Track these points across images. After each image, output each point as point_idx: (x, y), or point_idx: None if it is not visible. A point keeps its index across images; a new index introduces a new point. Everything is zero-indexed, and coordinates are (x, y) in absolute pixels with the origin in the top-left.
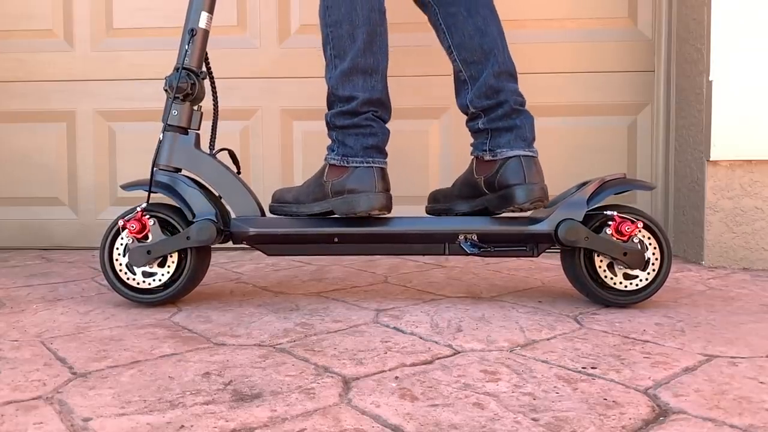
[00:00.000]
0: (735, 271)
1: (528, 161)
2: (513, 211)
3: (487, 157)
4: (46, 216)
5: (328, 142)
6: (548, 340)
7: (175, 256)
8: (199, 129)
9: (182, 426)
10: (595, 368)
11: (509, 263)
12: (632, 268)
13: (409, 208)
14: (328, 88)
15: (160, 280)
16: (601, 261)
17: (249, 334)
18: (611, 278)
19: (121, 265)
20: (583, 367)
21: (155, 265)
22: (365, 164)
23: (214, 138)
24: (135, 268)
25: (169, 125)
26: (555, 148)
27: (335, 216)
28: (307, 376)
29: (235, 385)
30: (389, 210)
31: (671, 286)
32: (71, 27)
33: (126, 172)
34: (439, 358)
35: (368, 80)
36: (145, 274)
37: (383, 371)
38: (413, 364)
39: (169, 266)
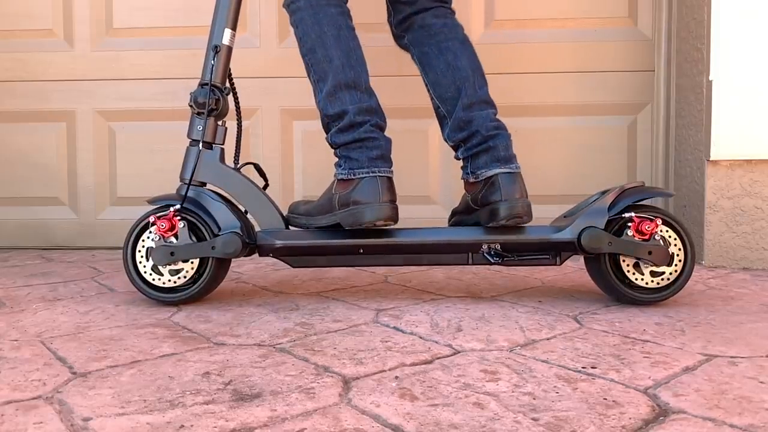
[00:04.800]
0: (735, 270)
1: (507, 178)
2: (499, 225)
3: (471, 179)
4: (46, 216)
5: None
6: (548, 339)
7: (197, 261)
8: (223, 144)
9: (182, 426)
10: (595, 368)
11: None
12: (658, 265)
13: (409, 208)
14: (320, 113)
15: (186, 276)
16: (628, 264)
17: (249, 334)
18: (640, 278)
19: (142, 256)
20: (583, 367)
21: (179, 262)
22: (371, 174)
23: (239, 152)
24: (160, 268)
25: (194, 140)
26: (555, 148)
27: (362, 230)
28: (307, 375)
29: (235, 385)
30: (395, 221)
31: None
32: (71, 27)
33: (126, 172)
34: (439, 358)
35: (354, 93)
36: (172, 272)
37: (383, 371)
38: (413, 364)
39: (193, 262)
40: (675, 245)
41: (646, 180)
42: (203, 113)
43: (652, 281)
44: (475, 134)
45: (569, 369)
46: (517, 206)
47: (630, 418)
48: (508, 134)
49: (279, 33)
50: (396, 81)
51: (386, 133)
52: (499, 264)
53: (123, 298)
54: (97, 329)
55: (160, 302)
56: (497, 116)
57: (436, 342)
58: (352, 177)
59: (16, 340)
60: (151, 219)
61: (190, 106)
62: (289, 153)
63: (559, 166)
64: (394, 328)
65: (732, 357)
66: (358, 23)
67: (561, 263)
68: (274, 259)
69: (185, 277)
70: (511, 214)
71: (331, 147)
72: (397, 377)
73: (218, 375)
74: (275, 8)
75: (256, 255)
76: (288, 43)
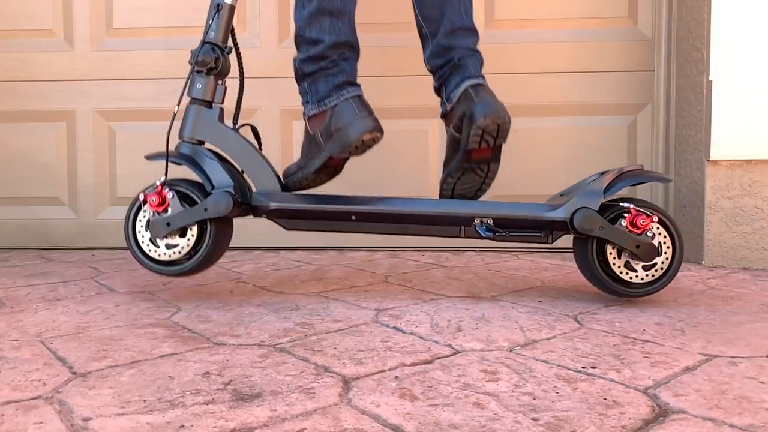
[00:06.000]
0: (735, 270)
1: (476, 89)
2: (482, 138)
3: (448, 107)
4: (46, 216)
5: None
6: (548, 339)
7: (195, 229)
8: (222, 103)
9: (182, 426)
10: (595, 368)
11: (509, 263)
12: (643, 261)
13: None
14: (296, 29)
15: (180, 252)
16: (614, 257)
17: (249, 334)
18: (624, 271)
19: (143, 237)
20: (583, 367)
21: (176, 237)
22: (341, 98)
23: (238, 113)
24: (158, 241)
25: (194, 98)
26: (555, 148)
27: (356, 196)
28: (307, 375)
29: (235, 385)
30: (381, 132)
31: (671, 285)
32: (71, 27)
33: (126, 172)
34: (439, 358)
35: (335, 22)
36: (168, 246)
37: (383, 371)
38: (413, 364)
39: (189, 238)
40: (665, 246)
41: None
42: (203, 71)
43: (630, 276)
44: (449, 62)
45: (569, 369)
46: (492, 106)
47: (630, 418)
48: (480, 58)
49: (279, 33)
50: (396, 81)
51: (386, 133)
52: (490, 239)
53: (123, 298)
54: (97, 329)
55: (165, 275)
56: (477, 44)
57: (436, 342)
58: (324, 108)
59: (16, 340)
60: (141, 197)
61: (190, 63)
62: (289, 153)
63: (559, 166)
64: (394, 328)
65: (732, 357)
66: (359, 23)
67: (552, 242)
68: (274, 259)
69: (188, 245)
70: (489, 111)
71: (296, 74)
72: (397, 377)
73: (218, 375)
74: (275, 8)
75: (256, 254)
76: (288, 43)
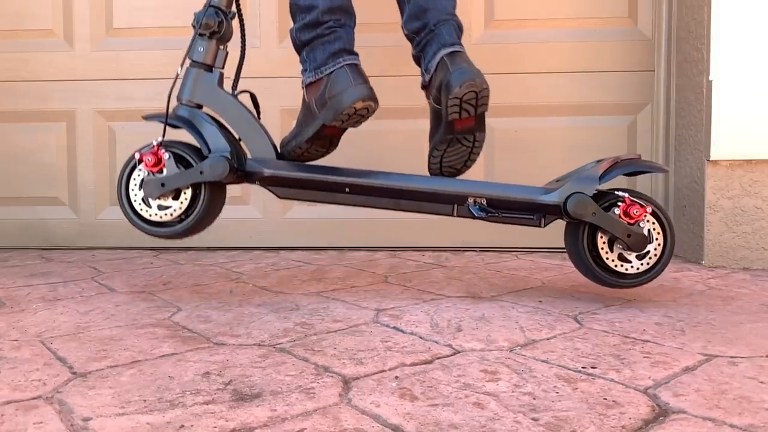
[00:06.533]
0: (735, 270)
1: (452, 56)
2: (461, 107)
3: (427, 78)
4: (46, 216)
5: None
6: (548, 339)
7: (189, 192)
8: (223, 68)
9: (182, 426)
10: (595, 368)
11: (509, 263)
12: (633, 251)
13: None
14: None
15: (171, 215)
16: (606, 251)
17: (249, 334)
18: (618, 264)
19: (136, 195)
20: (583, 367)
21: (170, 199)
22: (337, 66)
23: (238, 79)
24: (151, 201)
25: (195, 62)
26: (555, 148)
27: (350, 168)
28: (307, 375)
29: (235, 385)
30: (375, 101)
31: (671, 285)
32: (71, 27)
33: None
34: (439, 358)
35: None
36: (160, 208)
37: (383, 371)
38: (413, 364)
39: (182, 201)
40: (656, 233)
41: (646, 179)
42: (205, 35)
43: (621, 266)
44: (426, 26)
45: (569, 369)
46: (467, 73)
47: (630, 418)
48: (457, 23)
49: (279, 33)
50: (396, 81)
51: (387, 133)
52: (483, 219)
53: (123, 298)
54: (97, 329)
55: (154, 236)
56: (455, 9)
57: (436, 342)
58: (320, 76)
59: (16, 340)
60: (137, 155)
61: (193, 26)
62: None
63: (559, 166)
64: (394, 328)
65: (732, 357)
66: (358, 23)
67: (544, 226)
68: (274, 259)
69: (180, 209)
70: (465, 79)
71: (294, 45)
72: (397, 377)
73: (218, 375)
74: (275, 8)
75: (256, 254)
76: (288, 43)
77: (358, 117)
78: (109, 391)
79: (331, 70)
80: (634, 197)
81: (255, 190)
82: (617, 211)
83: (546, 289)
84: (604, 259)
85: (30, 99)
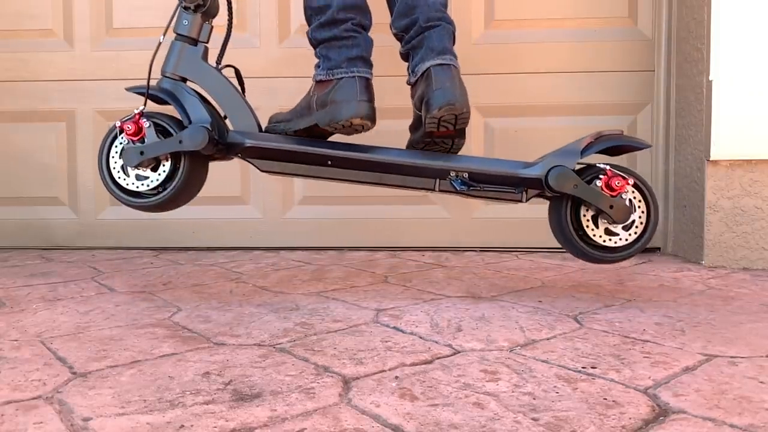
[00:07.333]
0: (735, 270)
1: (438, 70)
2: (439, 124)
3: (412, 80)
4: (46, 216)
5: None
6: (548, 339)
7: (168, 164)
8: (208, 42)
9: (182, 426)
10: (595, 368)
11: (509, 263)
12: (616, 223)
13: (409, 208)
14: (303, 3)
15: (148, 186)
16: (591, 228)
17: (249, 334)
18: (606, 238)
19: (116, 163)
20: (583, 367)
21: (148, 170)
22: (349, 74)
23: (223, 53)
24: (129, 170)
25: (179, 35)
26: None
27: (333, 141)
28: (307, 375)
29: (235, 385)
30: (373, 121)
31: (671, 285)
32: (71, 27)
33: None
34: (439, 358)
35: None
36: (138, 177)
37: (383, 371)
38: (413, 364)
39: (160, 173)
40: (639, 208)
41: (645, 178)
42: (190, 8)
43: (603, 239)
44: (415, 23)
45: (569, 369)
46: (449, 94)
47: (630, 418)
48: (449, 26)
49: (279, 33)
50: (396, 81)
51: (386, 133)
52: (464, 193)
53: (123, 298)
54: (97, 329)
55: (129, 206)
56: (446, 6)
57: (436, 342)
58: (330, 77)
59: (16, 340)
60: (118, 124)
61: None
62: None
63: None
64: (394, 328)
65: (732, 357)
66: None
67: (526, 201)
68: (274, 259)
69: (158, 180)
70: (444, 102)
71: (311, 44)
72: (397, 377)
73: (218, 375)
74: (275, 8)
75: (256, 254)
76: (288, 43)
77: (352, 130)
78: (109, 391)
79: (342, 75)
80: (615, 169)
81: (255, 190)
82: (599, 183)
83: (546, 289)
84: (591, 237)
85: (30, 99)
